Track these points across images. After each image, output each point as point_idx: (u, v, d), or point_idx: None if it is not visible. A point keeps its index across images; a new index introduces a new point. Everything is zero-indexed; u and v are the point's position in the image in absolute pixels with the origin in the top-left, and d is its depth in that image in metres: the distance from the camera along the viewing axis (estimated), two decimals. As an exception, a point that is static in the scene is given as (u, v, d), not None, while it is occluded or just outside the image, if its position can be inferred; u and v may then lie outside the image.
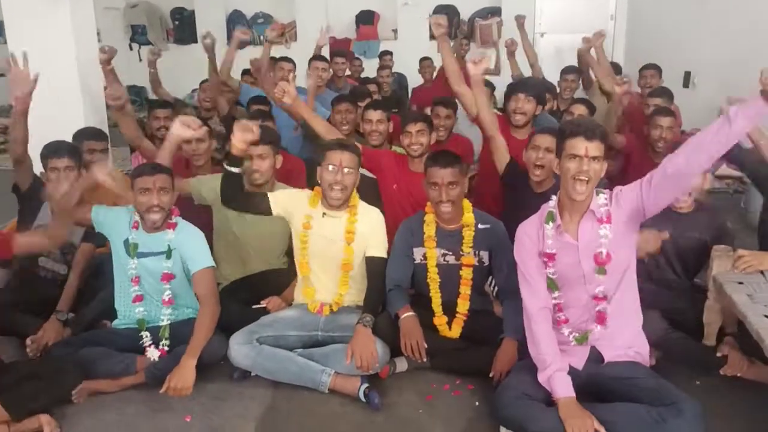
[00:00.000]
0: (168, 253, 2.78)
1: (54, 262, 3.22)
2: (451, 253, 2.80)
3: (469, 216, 2.78)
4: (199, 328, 2.67)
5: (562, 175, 2.32)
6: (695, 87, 6.43)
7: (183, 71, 8.25)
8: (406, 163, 3.49)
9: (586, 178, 2.25)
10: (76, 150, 3.21)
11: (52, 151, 3.10)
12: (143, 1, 9.60)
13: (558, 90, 5.51)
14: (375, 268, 2.86)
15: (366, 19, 9.29)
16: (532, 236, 2.41)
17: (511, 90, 3.75)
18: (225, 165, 2.82)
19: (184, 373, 2.54)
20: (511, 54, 6.22)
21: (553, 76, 7.38)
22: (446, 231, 2.81)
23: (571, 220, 2.35)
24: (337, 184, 2.77)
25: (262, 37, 9.45)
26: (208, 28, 9.14)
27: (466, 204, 2.81)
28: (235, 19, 9.47)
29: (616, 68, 6.17)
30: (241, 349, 2.63)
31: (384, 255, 2.89)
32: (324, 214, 2.87)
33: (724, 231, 2.84)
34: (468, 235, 2.76)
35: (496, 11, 8.96)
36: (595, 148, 2.25)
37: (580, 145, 2.25)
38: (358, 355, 2.53)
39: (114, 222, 2.81)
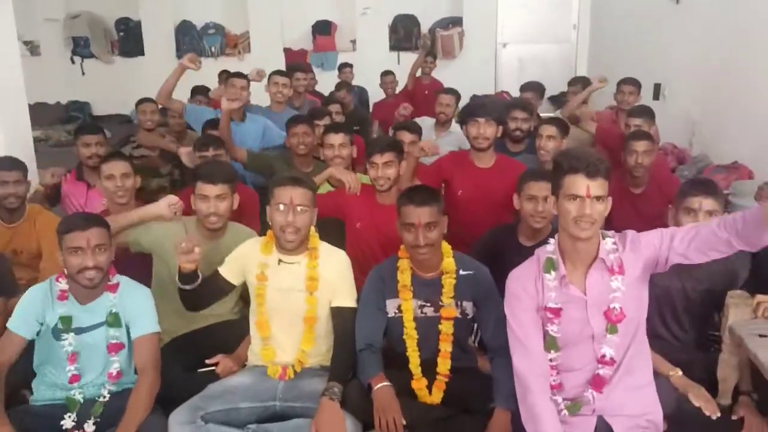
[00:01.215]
0: (112, 322, 2.35)
1: None
2: (429, 304, 2.42)
3: (449, 261, 2.41)
4: (134, 405, 2.23)
5: (561, 216, 1.99)
6: (666, 99, 6.25)
7: (128, 85, 7.76)
8: (372, 195, 3.12)
9: (589, 223, 1.92)
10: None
11: None
12: (85, 11, 9.02)
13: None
14: (343, 321, 2.46)
15: (323, 29, 8.92)
16: (528, 288, 2.06)
17: (469, 114, 3.40)
18: (178, 283, 2.46)
19: None
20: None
21: (514, 86, 7.17)
22: (423, 279, 2.43)
23: (575, 270, 2.02)
24: (289, 226, 2.37)
25: (213, 48, 9.02)
26: (156, 39, 8.88)
27: (446, 247, 2.44)
28: (184, 30, 8.99)
29: (586, 81, 5.95)
30: (182, 430, 2.19)
31: (353, 305, 2.49)
32: (280, 261, 2.47)
33: (738, 277, 2.52)
34: (448, 283, 2.38)
35: (457, 21, 8.73)
36: (598, 186, 1.93)
37: (581, 184, 1.92)
38: None
39: (34, 309, 2.33)
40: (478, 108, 3.36)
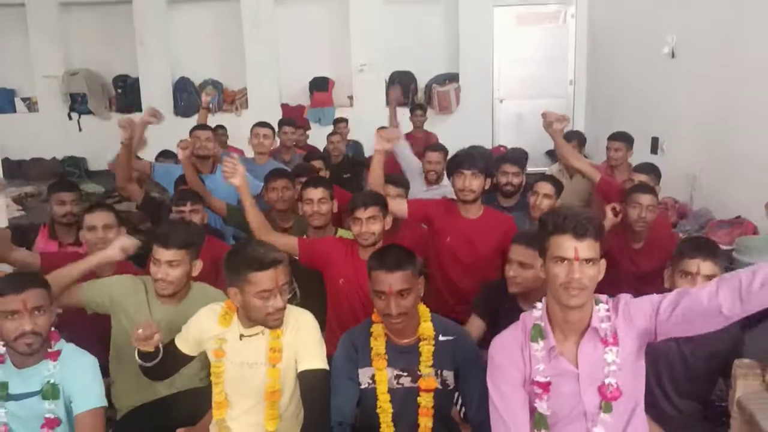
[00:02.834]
0: (48, 393, 2.12)
1: None
2: (406, 374, 2.20)
3: (427, 326, 2.19)
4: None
5: (548, 282, 1.80)
6: (664, 153, 6.12)
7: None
8: (355, 251, 2.95)
9: (579, 289, 1.73)
10: None
11: None
12: (84, 68, 9.07)
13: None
14: (313, 385, 2.16)
15: (320, 85, 8.93)
16: (513, 359, 1.85)
17: (455, 165, 3.24)
18: (138, 360, 2.26)
19: None
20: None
21: (513, 141, 7.08)
22: (399, 346, 2.21)
23: (566, 340, 1.82)
24: (279, 311, 2.14)
25: (210, 104, 9.02)
26: (154, 95, 8.90)
27: (423, 310, 2.23)
28: (182, 86, 9.01)
29: (581, 137, 5.86)
30: None
31: (323, 366, 2.20)
32: (242, 336, 2.23)
33: (742, 340, 2.32)
34: (426, 350, 2.17)
35: (453, 77, 8.73)
36: (587, 248, 1.74)
37: (568, 245, 1.74)
38: None
39: None
40: (464, 159, 3.20)
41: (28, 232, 3.81)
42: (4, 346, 2.14)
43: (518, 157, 4.35)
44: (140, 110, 9.00)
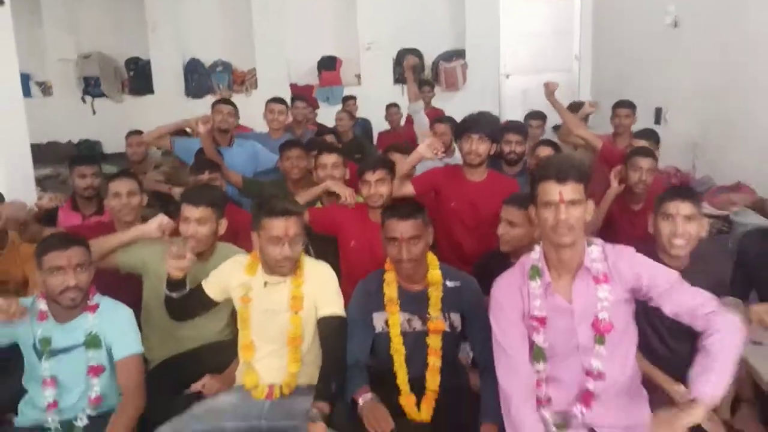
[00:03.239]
0: (91, 343, 2.32)
1: None
2: (416, 317, 2.38)
3: (435, 273, 2.38)
4: (116, 423, 2.20)
5: (540, 225, 1.96)
6: (667, 123, 6.22)
7: (138, 123, 7.83)
8: (365, 213, 3.11)
9: (566, 228, 1.89)
10: None
11: None
12: (96, 52, 9.24)
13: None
14: (331, 330, 2.38)
15: (328, 64, 9.05)
16: (512, 296, 2.02)
17: (463, 129, 3.38)
18: (165, 291, 2.47)
19: None
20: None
21: (519, 116, 7.16)
22: (410, 292, 2.40)
23: (560, 278, 1.98)
24: (285, 260, 2.34)
25: (220, 85, 9.18)
26: (165, 77, 9.07)
27: (432, 259, 2.41)
28: (192, 68, 9.16)
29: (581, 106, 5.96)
30: (164, 450, 2.16)
31: (341, 312, 2.41)
32: (266, 283, 2.43)
33: (725, 283, 2.47)
34: (435, 295, 2.35)
35: (460, 54, 8.82)
36: (571, 190, 1.90)
37: (552, 190, 1.90)
38: None
39: (12, 325, 2.31)
40: (472, 124, 3.34)
41: (55, 212, 3.99)
42: (45, 303, 2.34)
43: (520, 126, 4.50)
44: (152, 92, 9.22)
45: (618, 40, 7.62)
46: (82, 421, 2.30)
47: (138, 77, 9.35)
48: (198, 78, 9.15)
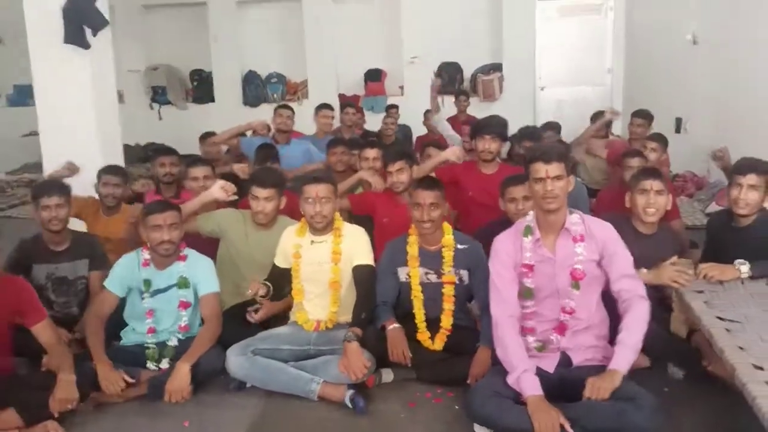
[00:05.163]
0: (182, 284, 3.02)
1: (66, 308, 3.40)
2: (433, 272, 3.01)
3: (448, 237, 3.00)
4: (199, 340, 2.90)
5: (533, 196, 2.54)
6: (687, 132, 6.67)
7: (200, 129, 8.61)
8: (393, 197, 3.77)
9: (552, 197, 2.46)
10: (65, 188, 3.43)
11: (43, 190, 3.32)
12: (164, 64, 10.16)
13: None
14: (363, 276, 3.02)
15: (374, 76, 9.73)
16: (508, 249, 2.60)
17: (477, 131, 4.05)
18: (260, 300, 3.09)
19: (178, 377, 2.75)
20: None
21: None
22: (428, 251, 3.02)
23: (547, 236, 2.55)
24: (317, 215, 3.01)
25: (275, 95, 9.96)
26: (225, 87, 9.92)
27: (446, 226, 3.04)
28: (249, 79, 9.96)
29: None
30: (236, 359, 2.83)
31: (370, 262, 3.06)
32: (312, 241, 3.10)
33: (687, 246, 3.02)
34: (448, 255, 2.97)
35: (497, 67, 9.36)
36: (554, 168, 2.46)
37: (540, 169, 2.47)
38: (351, 371, 2.72)
39: (125, 273, 3.03)
40: (484, 126, 4.01)
41: (142, 198, 4.75)
42: (149, 253, 3.04)
43: (532, 132, 5.01)
44: (213, 101, 10.08)
45: (646, 55, 8.07)
46: (173, 342, 3.00)
47: (201, 87, 10.22)
48: (254, 88, 9.94)
